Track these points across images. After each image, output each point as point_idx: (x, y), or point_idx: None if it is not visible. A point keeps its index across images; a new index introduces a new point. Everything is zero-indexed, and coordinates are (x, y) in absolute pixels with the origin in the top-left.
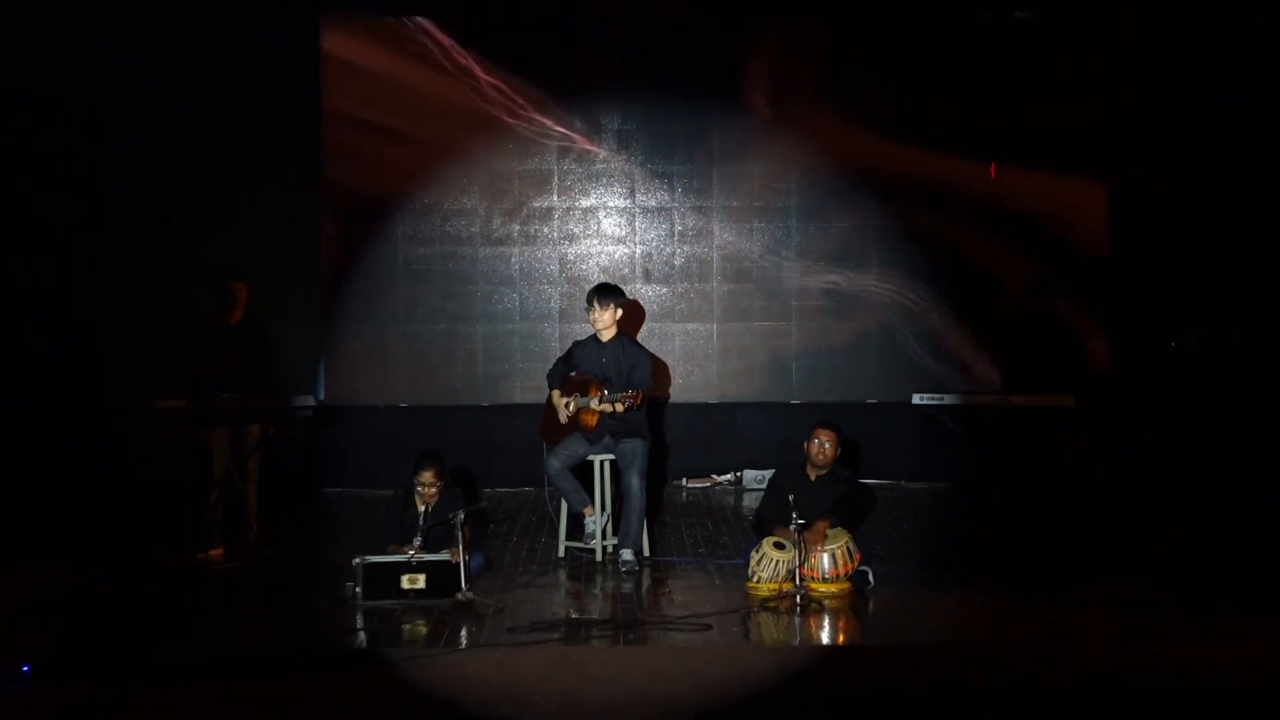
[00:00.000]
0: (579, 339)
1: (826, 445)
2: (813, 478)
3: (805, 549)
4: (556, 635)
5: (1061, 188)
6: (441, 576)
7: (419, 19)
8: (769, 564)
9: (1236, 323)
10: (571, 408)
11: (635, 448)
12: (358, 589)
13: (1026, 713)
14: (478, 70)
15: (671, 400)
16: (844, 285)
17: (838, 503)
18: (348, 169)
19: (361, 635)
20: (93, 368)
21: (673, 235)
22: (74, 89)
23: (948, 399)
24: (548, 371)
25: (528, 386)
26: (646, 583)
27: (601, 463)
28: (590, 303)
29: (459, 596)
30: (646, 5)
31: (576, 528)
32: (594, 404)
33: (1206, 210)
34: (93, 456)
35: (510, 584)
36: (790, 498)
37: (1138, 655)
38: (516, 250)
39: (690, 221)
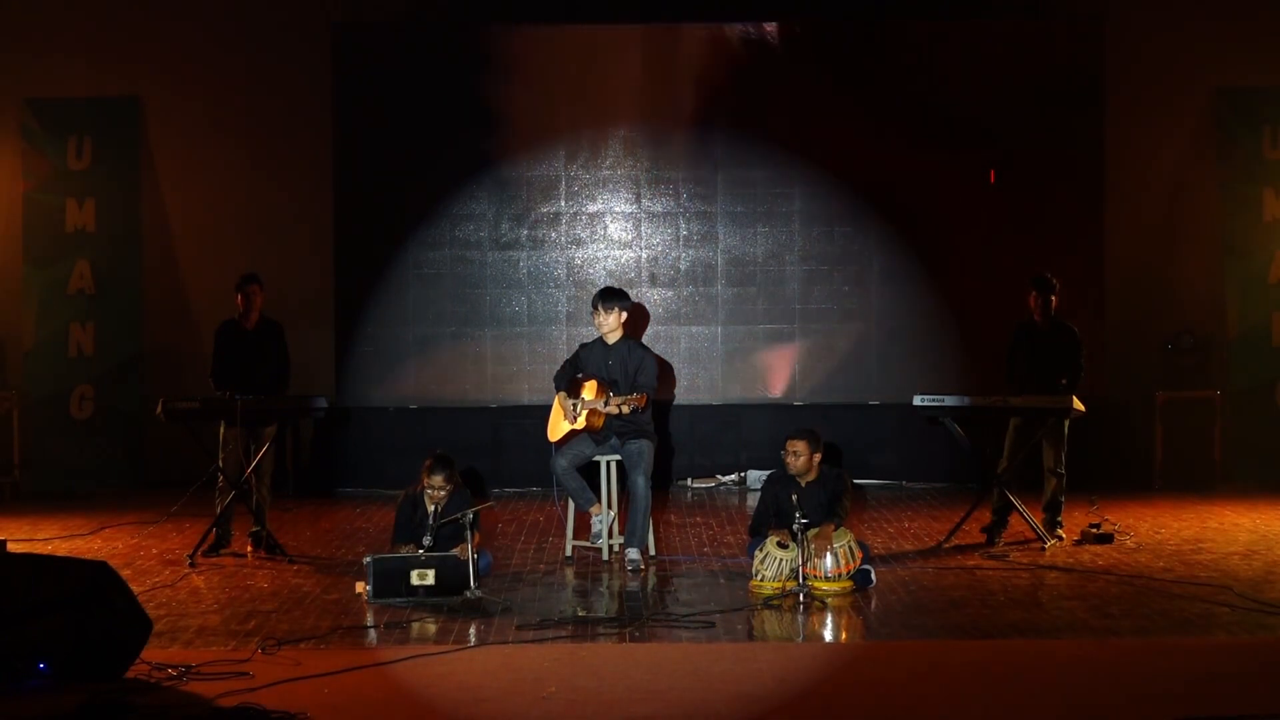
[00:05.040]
0: (585, 342)
1: (798, 455)
2: (803, 483)
3: (811, 549)
4: (566, 633)
5: (1061, 189)
6: (451, 573)
7: (427, 24)
8: (773, 562)
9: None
10: (580, 410)
11: (641, 448)
12: (368, 587)
13: (1028, 708)
14: (487, 75)
15: (676, 402)
16: (846, 288)
17: (833, 502)
18: (360, 175)
19: (372, 633)
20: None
21: (678, 240)
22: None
23: (949, 400)
24: (555, 374)
25: (535, 388)
26: (652, 581)
27: (608, 463)
28: (595, 307)
29: (468, 594)
30: (650, 8)
31: (583, 527)
32: (600, 406)
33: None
34: (116, 453)
35: (518, 582)
36: (794, 497)
37: (1139, 647)
38: (524, 255)
39: (695, 226)
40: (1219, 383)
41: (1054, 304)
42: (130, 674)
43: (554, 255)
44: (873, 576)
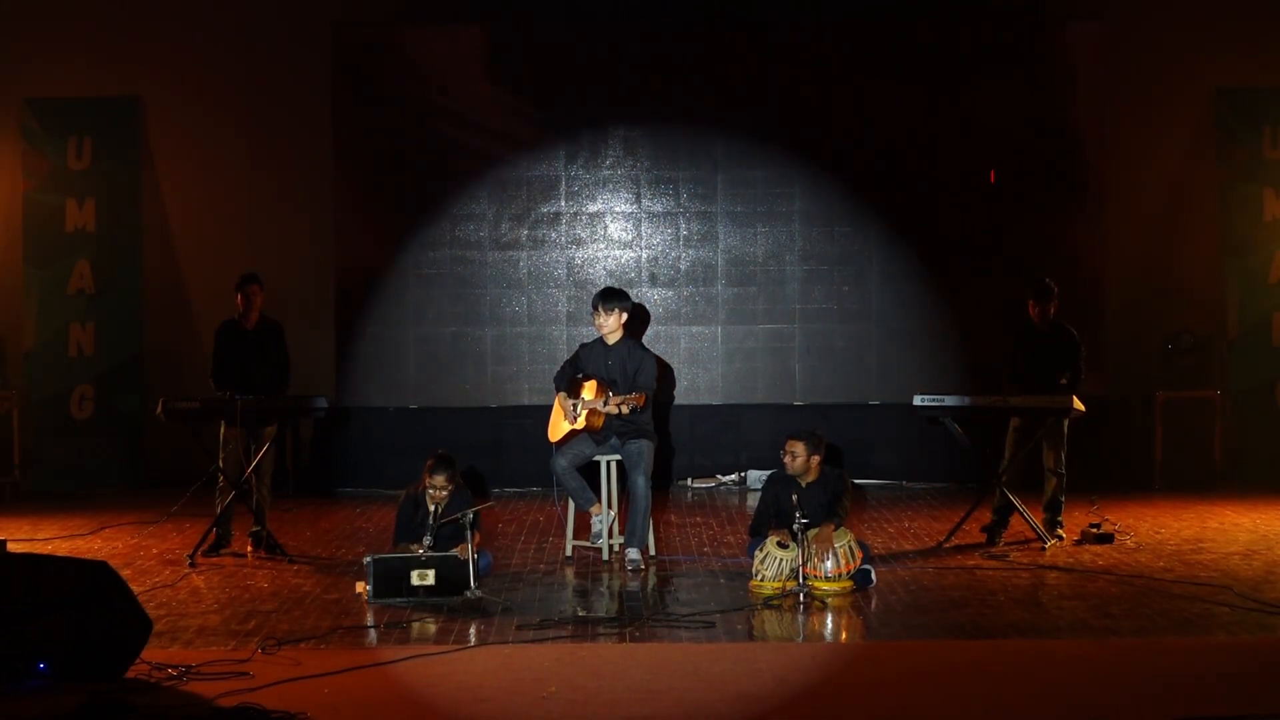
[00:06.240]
0: (585, 342)
1: (795, 456)
2: (803, 483)
3: (812, 550)
4: (566, 633)
5: (1061, 189)
6: (451, 573)
7: (427, 24)
8: (773, 562)
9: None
10: (580, 410)
11: (641, 448)
12: (368, 587)
13: (1028, 708)
14: (488, 76)
15: (677, 402)
16: (846, 288)
17: (833, 503)
18: (360, 176)
19: (372, 633)
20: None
21: (678, 240)
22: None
23: (949, 400)
24: (555, 375)
25: (535, 389)
26: (652, 581)
27: (608, 463)
28: (595, 308)
29: (468, 594)
30: (651, 8)
31: (583, 527)
32: (600, 406)
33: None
34: (116, 453)
35: (518, 582)
36: (794, 497)
37: (1139, 647)
38: (525, 254)
39: (695, 226)
40: (1219, 383)
41: (1052, 310)
42: (130, 674)
43: (554, 255)
44: (873, 576)
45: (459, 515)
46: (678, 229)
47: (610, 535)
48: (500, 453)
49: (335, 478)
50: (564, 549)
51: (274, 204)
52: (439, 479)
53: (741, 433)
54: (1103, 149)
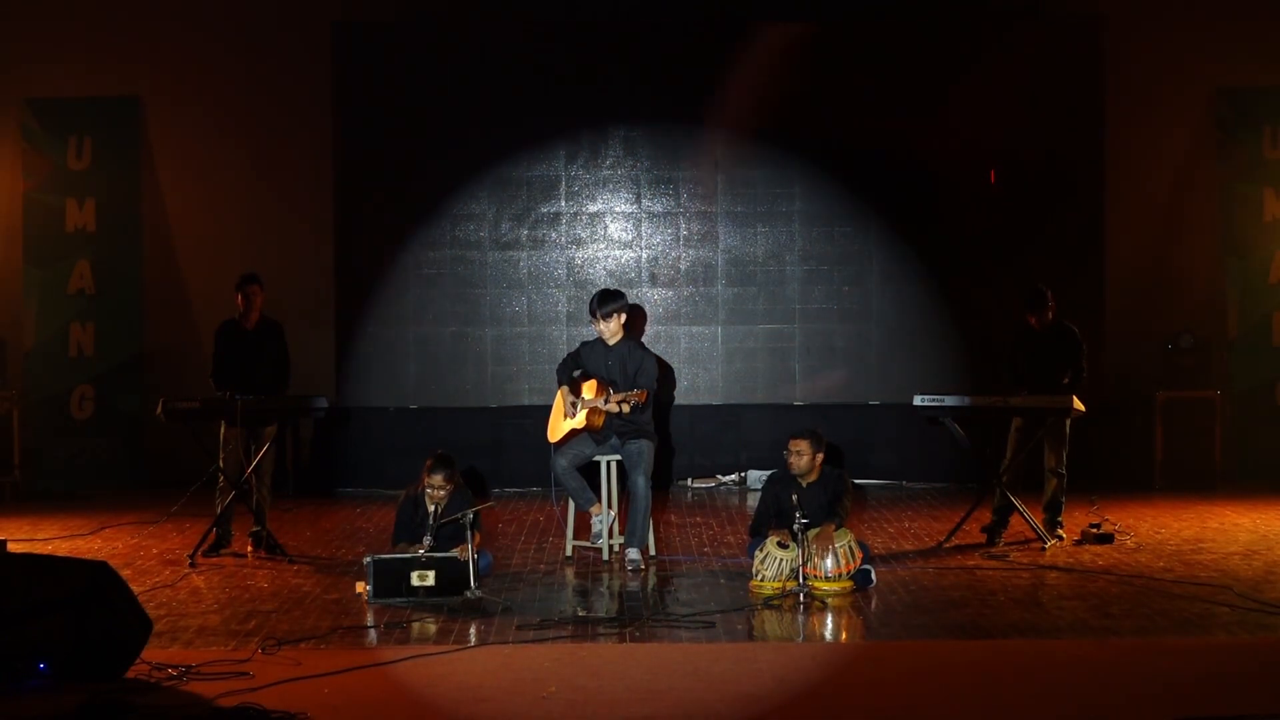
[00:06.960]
0: (587, 340)
1: (800, 455)
2: (804, 483)
3: (812, 550)
4: (566, 633)
5: (1061, 189)
6: (451, 573)
7: (427, 24)
8: (773, 562)
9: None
10: (580, 408)
11: (641, 448)
12: (368, 587)
13: (1028, 708)
14: (488, 75)
15: (677, 402)
16: (846, 288)
17: (833, 503)
18: (360, 175)
19: (372, 633)
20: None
21: (678, 240)
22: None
23: (949, 400)
24: (557, 368)
25: (535, 389)
26: (652, 581)
27: (608, 463)
28: (593, 314)
29: (468, 594)
30: (652, 9)
31: (583, 527)
32: (600, 405)
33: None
34: (116, 453)
35: (518, 582)
36: (794, 497)
37: (1139, 647)
38: (525, 254)
39: (695, 226)
40: (1219, 383)
41: (1050, 314)
42: (130, 674)
43: (554, 255)
44: (873, 576)
45: (459, 515)
46: (678, 229)
47: (610, 535)
48: (500, 453)
49: (335, 478)
50: (564, 549)
51: (274, 204)
52: (437, 478)
53: (741, 433)
54: (1103, 149)
